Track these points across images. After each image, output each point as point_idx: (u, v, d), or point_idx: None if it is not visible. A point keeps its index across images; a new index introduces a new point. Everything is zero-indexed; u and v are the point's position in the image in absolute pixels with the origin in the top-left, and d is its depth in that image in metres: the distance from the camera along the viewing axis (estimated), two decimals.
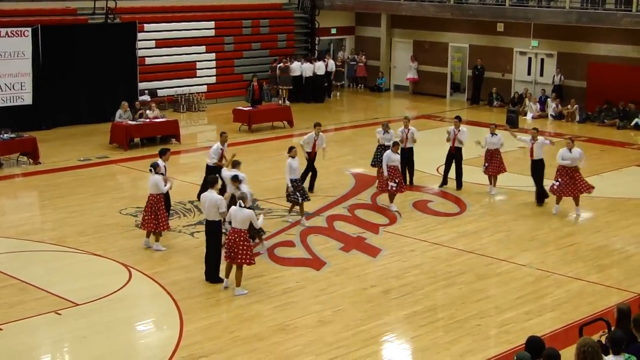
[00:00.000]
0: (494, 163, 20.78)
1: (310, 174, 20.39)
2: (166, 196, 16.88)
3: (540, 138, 19.79)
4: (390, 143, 20.79)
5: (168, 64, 32.36)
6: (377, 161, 21.06)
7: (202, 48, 33.38)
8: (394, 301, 14.32)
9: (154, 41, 31.91)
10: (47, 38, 27.55)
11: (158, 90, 31.59)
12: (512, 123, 29.67)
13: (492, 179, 20.93)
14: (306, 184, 19.72)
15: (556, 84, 32.33)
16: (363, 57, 38.01)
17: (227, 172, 16.68)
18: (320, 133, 20.15)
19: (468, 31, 34.98)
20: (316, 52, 36.69)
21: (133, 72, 29.98)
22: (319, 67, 34.49)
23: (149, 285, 14.88)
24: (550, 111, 31.62)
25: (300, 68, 33.99)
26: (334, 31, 38.47)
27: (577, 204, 19.17)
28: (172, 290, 14.48)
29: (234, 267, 14.40)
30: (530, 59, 33.74)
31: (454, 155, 20.98)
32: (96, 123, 27.99)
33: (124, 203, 19.63)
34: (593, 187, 19.12)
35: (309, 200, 18.55)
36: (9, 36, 26.73)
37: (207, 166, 18.99)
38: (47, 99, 27.71)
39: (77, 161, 23.88)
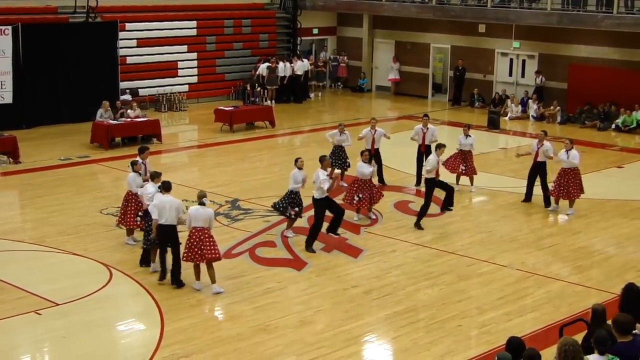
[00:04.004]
0: (469, 164, 20.90)
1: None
2: None
3: (547, 143, 19.61)
4: (345, 145, 21.03)
5: (149, 64, 32.20)
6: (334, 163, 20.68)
7: (184, 47, 33.23)
8: (375, 301, 14.33)
9: (135, 40, 31.74)
10: (27, 36, 27.41)
11: (139, 90, 31.42)
12: (494, 124, 29.79)
13: (469, 179, 21.06)
14: None
15: (537, 85, 32.44)
16: (345, 57, 38.03)
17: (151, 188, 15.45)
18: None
19: (450, 32, 35.05)
20: (298, 52, 36.63)
21: (114, 71, 29.82)
22: (299, 67, 34.44)
23: (129, 285, 14.81)
24: (531, 112, 31.73)
25: (284, 68, 33.98)
26: (315, 31, 38.43)
27: (570, 205, 19.43)
28: (153, 290, 14.43)
29: (202, 267, 14.32)
30: (511, 60, 33.83)
31: (425, 154, 20.92)
32: (77, 122, 27.83)
33: (104, 202, 19.54)
34: (582, 193, 19.37)
35: (300, 217, 17.69)
36: None
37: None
38: (28, 97, 27.59)
39: (57, 160, 23.73)
